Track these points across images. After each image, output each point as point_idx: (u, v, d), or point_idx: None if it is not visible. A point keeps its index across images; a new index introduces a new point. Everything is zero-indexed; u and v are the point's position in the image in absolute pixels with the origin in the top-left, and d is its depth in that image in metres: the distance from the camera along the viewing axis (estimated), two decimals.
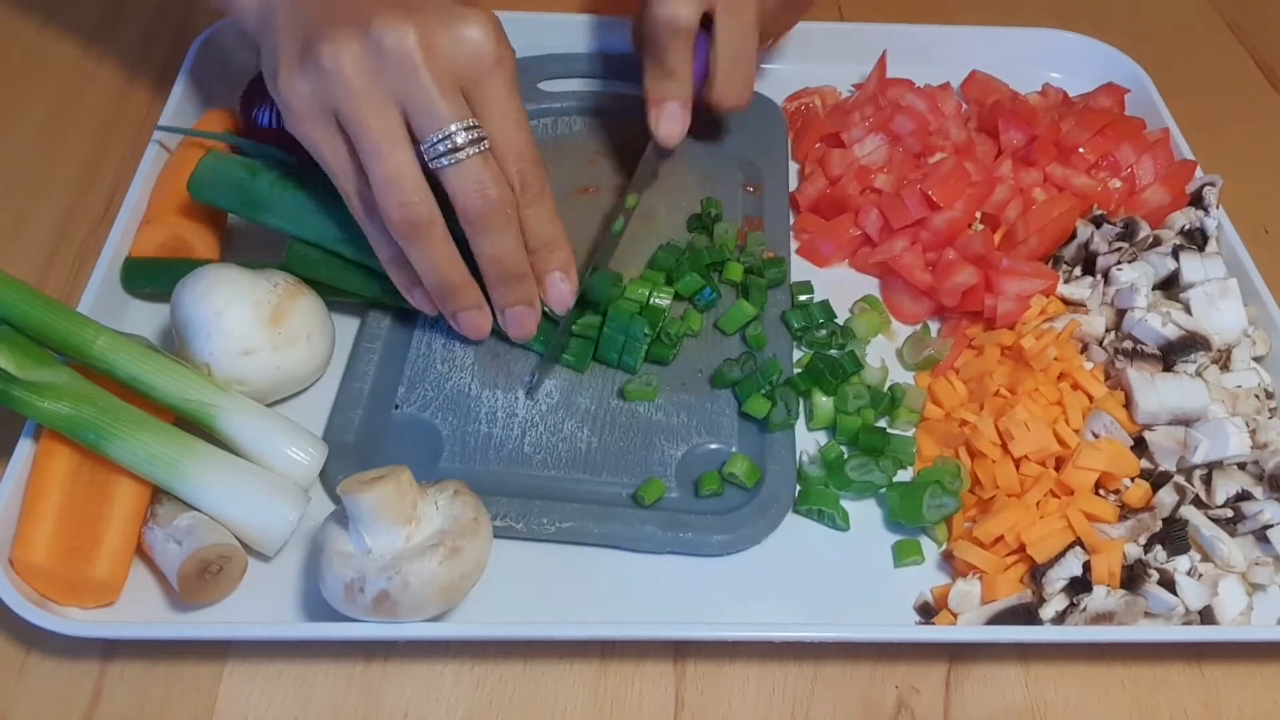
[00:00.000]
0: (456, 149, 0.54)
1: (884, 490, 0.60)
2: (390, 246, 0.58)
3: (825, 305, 0.67)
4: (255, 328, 0.58)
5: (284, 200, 0.63)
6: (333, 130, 0.55)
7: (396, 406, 0.62)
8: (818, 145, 0.77)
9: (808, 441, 0.63)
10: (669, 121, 0.69)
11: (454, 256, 0.58)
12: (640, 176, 0.71)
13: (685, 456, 0.61)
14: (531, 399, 0.62)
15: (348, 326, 0.66)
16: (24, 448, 0.55)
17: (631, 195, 0.71)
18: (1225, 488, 0.59)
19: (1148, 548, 0.57)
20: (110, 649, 0.54)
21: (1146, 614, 0.56)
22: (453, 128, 0.54)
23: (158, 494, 0.55)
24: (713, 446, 0.61)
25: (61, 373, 0.55)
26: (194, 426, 0.56)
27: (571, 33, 0.84)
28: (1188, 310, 0.66)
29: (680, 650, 0.55)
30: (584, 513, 0.57)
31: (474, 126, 0.54)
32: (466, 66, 0.54)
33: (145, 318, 0.66)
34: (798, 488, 0.60)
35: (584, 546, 0.57)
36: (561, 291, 0.62)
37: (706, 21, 0.68)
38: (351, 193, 0.57)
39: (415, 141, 0.55)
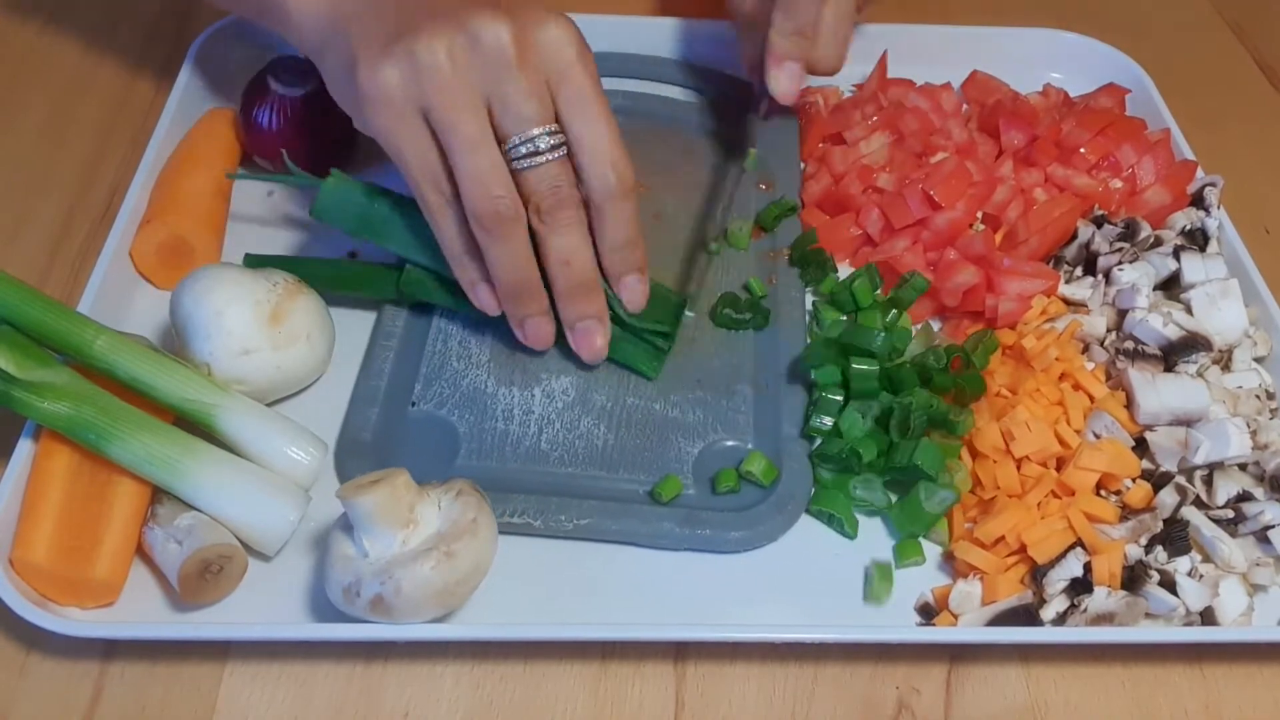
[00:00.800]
0: (537, 153, 0.55)
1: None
2: (462, 240, 0.58)
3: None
4: (255, 327, 0.58)
5: (400, 225, 0.62)
6: (417, 122, 0.55)
7: (413, 404, 0.62)
8: (821, 145, 0.77)
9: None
10: (789, 79, 0.69)
11: (531, 259, 0.58)
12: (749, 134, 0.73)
13: (702, 454, 0.61)
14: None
15: (359, 324, 0.66)
16: (24, 448, 0.55)
17: (751, 151, 0.73)
18: (1226, 488, 0.59)
19: (1149, 548, 0.57)
20: (110, 649, 0.54)
21: (1147, 615, 0.56)
22: (536, 131, 0.55)
23: (158, 494, 0.55)
24: (729, 444, 0.61)
25: (62, 373, 0.55)
26: (194, 426, 0.56)
27: (611, 33, 0.84)
28: (1189, 311, 0.66)
29: (681, 651, 0.55)
30: (601, 510, 0.57)
31: (556, 132, 0.56)
32: (554, 64, 0.55)
33: (145, 317, 0.66)
34: (813, 488, 0.60)
35: (584, 545, 0.57)
36: (636, 295, 0.62)
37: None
38: (427, 186, 0.57)
39: (499, 140, 0.56)
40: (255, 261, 0.65)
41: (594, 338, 0.61)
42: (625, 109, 0.78)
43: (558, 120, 0.56)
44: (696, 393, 0.63)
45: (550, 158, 0.55)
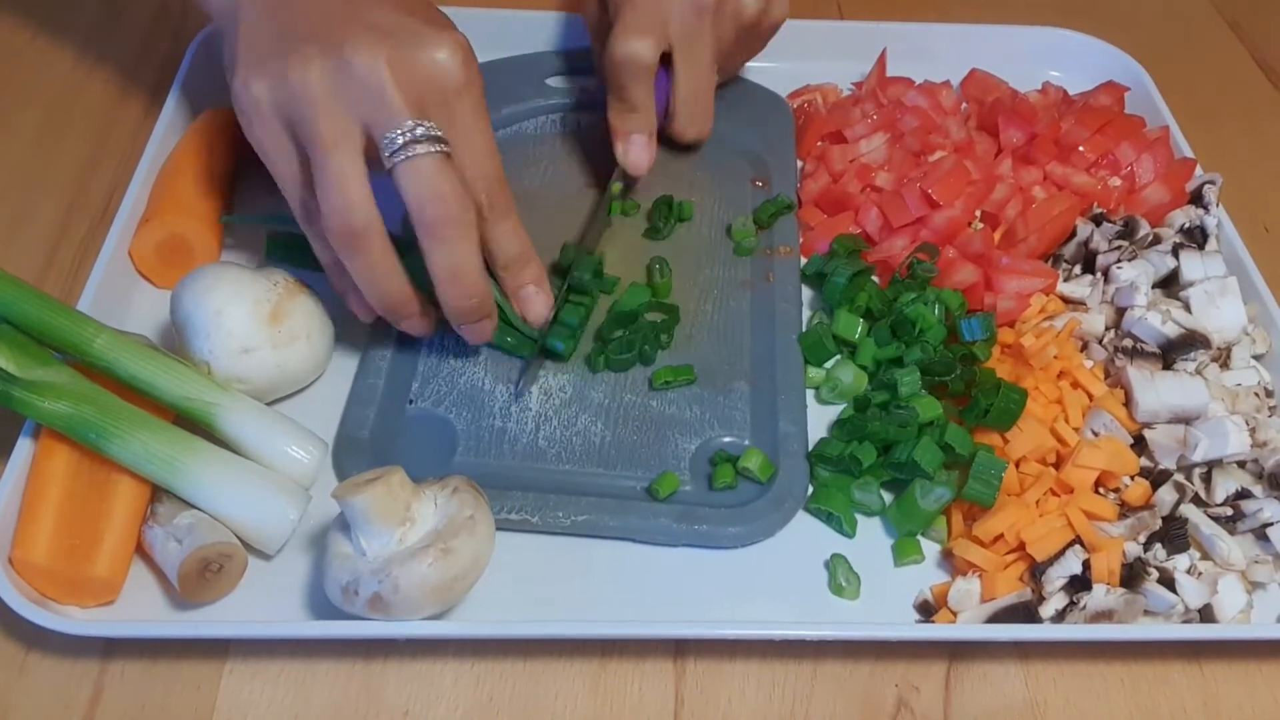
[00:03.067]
0: (415, 141, 0.53)
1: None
2: (329, 251, 0.57)
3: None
4: (255, 326, 0.58)
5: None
6: (283, 136, 0.55)
7: (411, 402, 0.62)
8: (820, 143, 0.77)
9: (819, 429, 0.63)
10: (636, 152, 0.71)
11: (393, 268, 0.56)
12: (606, 198, 0.72)
13: (699, 450, 0.61)
14: (519, 402, 0.62)
15: (359, 324, 0.65)
16: (24, 446, 0.55)
17: (615, 184, 0.72)
18: (1225, 486, 0.59)
19: (1147, 546, 0.57)
20: (110, 648, 0.54)
21: (1146, 612, 0.56)
22: (409, 123, 0.53)
23: (158, 492, 0.55)
24: (726, 440, 0.61)
25: (61, 372, 0.55)
26: (194, 425, 0.56)
27: (580, 29, 0.84)
28: (1187, 308, 0.66)
29: (680, 648, 0.55)
30: (599, 506, 0.57)
31: (435, 129, 0.54)
32: (434, 88, 0.55)
33: (145, 316, 0.66)
34: (810, 486, 0.60)
35: (584, 542, 0.57)
36: (537, 306, 0.62)
37: (665, 59, 0.70)
38: (296, 201, 0.57)
39: (370, 159, 0.54)
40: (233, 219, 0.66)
41: (484, 332, 0.61)
42: (590, 105, 0.79)
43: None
44: (693, 389, 0.63)
45: (429, 150, 0.53)
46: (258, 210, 0.72)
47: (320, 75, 0.53)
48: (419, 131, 0.53)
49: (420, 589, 0.49)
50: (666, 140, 0.74)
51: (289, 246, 0.62)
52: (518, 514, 0.57)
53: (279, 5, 0.57)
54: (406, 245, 0.57)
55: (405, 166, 0.53)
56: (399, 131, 0.53)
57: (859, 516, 0.60)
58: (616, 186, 0.72)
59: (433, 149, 0.53)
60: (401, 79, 0.53)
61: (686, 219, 0.73)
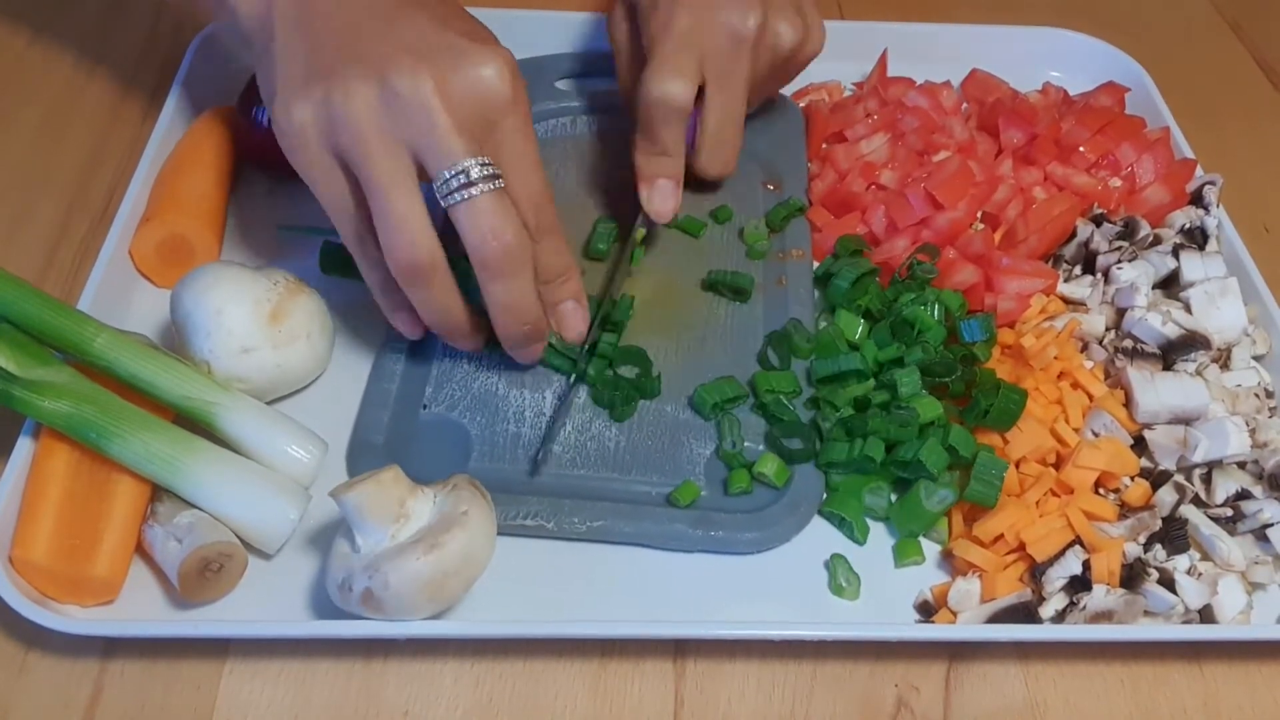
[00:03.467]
0: (470, 184, 0.52)
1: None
2: (381, 273, 0.57)
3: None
4: (255, 326, 0.58)
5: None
6: (333, 164, 0.54)
7: (425, 406, 0.62)
8: (824, 145, 0.77)
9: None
10: (662, 199, 0.68)
11: (455, 300, 0.57)
12: (630, 246, 0.69)
13: (714, 455, 0.61)
14: (537, 474, 0.59)
15: (359, 323, 0.66)
16: (24, 446, 0.55)
17: (640, 230, 0.69)
18: (1225, 486, 0.59)
19: (1147, 546, 0.57)
20: (110, 647, 0.54)
21: (1146, 613, 0.56)
22: (467, 163, 0.52)
23: (158, 492, 0.55)
24: (744, 444, 0.61)
25: (62, 371, 0.55)
26: (194, 425, 0.56)
27: (590, 31, 0.84)
28: (1188, 309, 0.66)
29: (680, 648, 0.55)
30: (614, 511, 0.57)
31: (489, 164, 0.53)
32: (482, 109, 0.53)
33: (145, 316, 0.66)
34: (824, 493, 0.60)
35: (585, 544, 0.57)
36: (574, 322, 0.62)
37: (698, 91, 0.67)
38: (348, 229, 0.56)
39: (425, 185, 0.54)
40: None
41: (535, 355, 0.62)
42: (602, 107, 0.79)
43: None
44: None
45: (485, 189, 0.52)
46: (258, 209, 0.72)
47: (365, 104, 0.52)
48: (474, 172, 0.52)
49: (410, 584, 0.49)
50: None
51: (345, 259, 0.61)
52: (533, 519, 0.57)
53: (307, 18, 0.56)
54: (455, 256, 0.56)
55: (463, 208, 0.53)
56: (454, 172, 0.52)
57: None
58: (640, 233, 0.69)
59: (488, 187, 0.53)
60: (450, 104, 0.52)
61: (724, 221, 0.72)
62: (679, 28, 0.65)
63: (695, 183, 0.74)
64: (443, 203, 0.53)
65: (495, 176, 0.53)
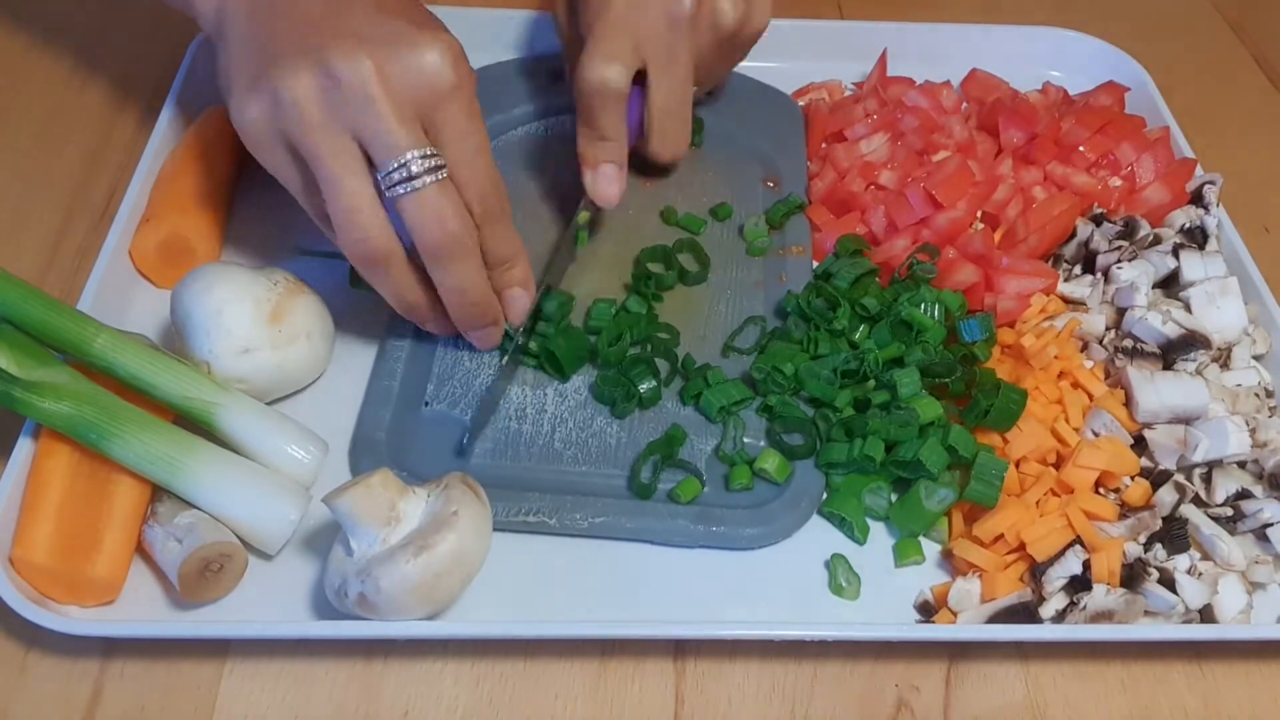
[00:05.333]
0: (412, 178, 0.53)
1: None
2: None
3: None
4: (255, 326, 0.58)
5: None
6: (288, 157, 0.55)
7: (426, 403, 0.62)
8: (824, 145, 0.77)
9: None
10: (605, 184, 0.67)
11: (412, 282, 0.58)
12: (573, 230, 0.69)
13: (715, 451, 0.61)
14: (464, 459, 0.60)
15: (359, 323, 0.66)
16: (24, 446, 0.55)
17: (583, 213, 0.69)
18: (1225, 486, 0.59)
19: (1148, 546, 0.57)
20: (110, 647, 0.54)
21: (1146, 612, 0.56)
22: (408, 156, 0.53)
23: (158, 492, 0.55)
24: (744, 441, 0.61)
25: (62, 372, 0.55)
26: (194, 425, 0.56)
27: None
28: (1188, 309, 0.66)
29: (680, 648, 0.55)
30: (616, 508, 0.57)
31: (431, 155, 0.54)
32: (423, 93, 0.54)
33: (145, 316, 0.66)
34: (824, 490, 0.60)
35: (585, 543, 0.57)
36: (520, 306, 0.62)
37: (639, 77, 0.67)
38: (314, 215, 0.57)
39: (374, 171, 0.54)
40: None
41: (490, 338, 0.62)
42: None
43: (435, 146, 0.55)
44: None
45: (427, 181, 0.53)
46: (258, 209, 0.72)
47: (308, 93, 0.53)
48: (414, 166, 0.53)
49: (401, 587, 0.49)
50: (639, 162, 0.72)
51: None
52: (535, 516, 0.57)
53: (261, 13, 0.56)
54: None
55: (405, 200, 0.54)
56: (396, 165, 0.53)
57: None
58: (584, 216, 0.69)
59: (430, 179, 0.54)
60: (390, 90, 0.53)
61: (724, 218, 0.73)
62: (614, 12, 0.65)
63: (696, 182, 0.74)
64: (386, 194, 0.54)
65: (438, 168, 0.54)
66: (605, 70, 0.64)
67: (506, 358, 0.63)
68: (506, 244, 0.60)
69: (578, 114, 0.67)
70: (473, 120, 0.56)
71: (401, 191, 0.54)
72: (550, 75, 0.81)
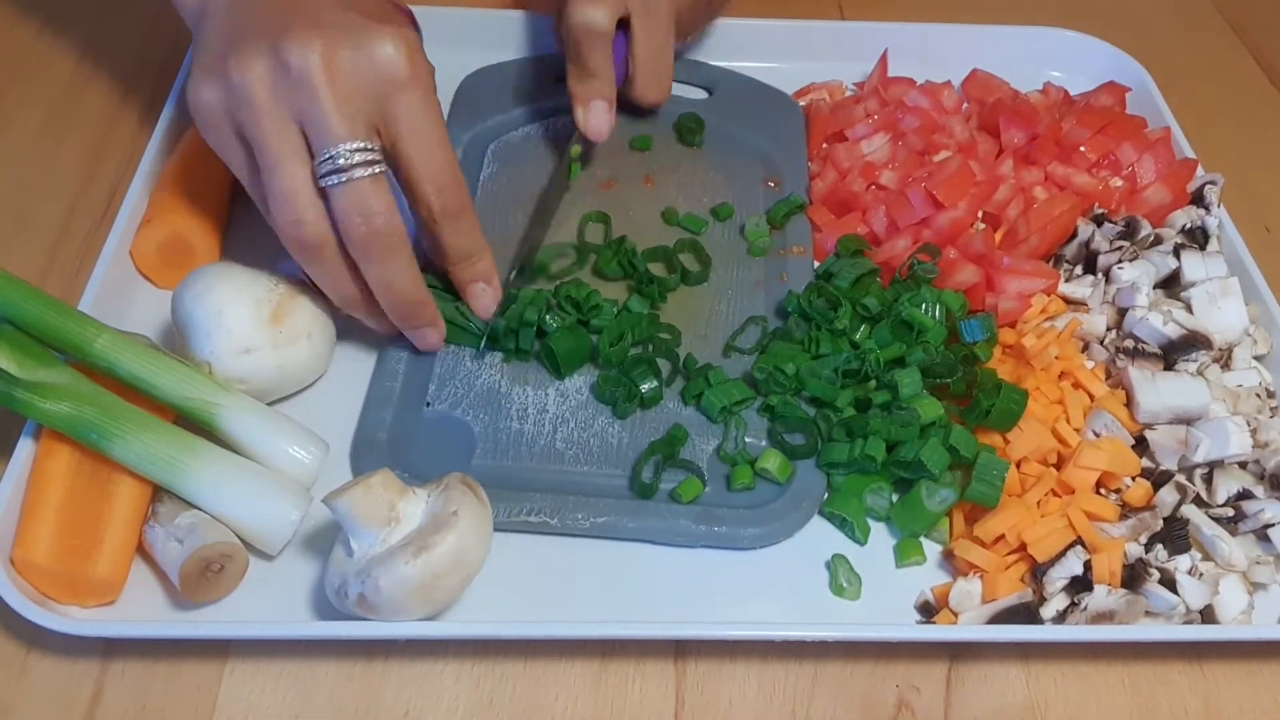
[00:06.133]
0: (340, 170, 0.53)
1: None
2: None
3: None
4: (256, 326, 0.58)
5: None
6: (235, 140, 0.56)
7: (428, 404, 0.62)
8: (824, 145, 0.77)
9: None
10: (595, 118, 0.71)
11: (345, 274, 0.58)
12: (565, 161, 0.74)
13: (717, 451, 0.61)
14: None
15: (359, 324, 0.65)
16: (24, 446, 0.55)
17: (575, 146, 0.73)
18: (1226, 487, 0.59)
19: (1149, 547, 0.57)
20: (111, 647, 0.54)
21: (1147, 613, 0.56)
22: (341, 148, 0.53)
23: (159, 492, 0.55)
24: (745, 440, 0.61)
25: (63, 373, 0.55)
26: (195, 426, 0.56)
27: None
28: (1189, 309, 0.66)
29: (681, 649, 0.55)
30: (618, 508, 0.57)
31: (368, 149, 0.54)
32: (376, 85, 0.54)
33: (146, 317, 0.66)
34: (826, 490, 0.60)
35: (585, 543, 0.57)
36: (485, 301, 0.63)
37: (624, 23, 0.71)
38: (256, 199, 0.57)
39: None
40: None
41: (429, 338, 0.62)
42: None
43: (385, 141, 0.55)
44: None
45: (358, 175, 0.53)
46: (258, 210, 0.72)
47: (258, 77, 0.53)
48: (344, 159, 0.53)
49: (400, 588, 0.49)
50: (626, 105, 0.75)
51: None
52: (537, 516, 0.57)
53: (239, 7, 0.57)
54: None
55: (334, 192, 0.54)
56: (327, 155, 0.53)
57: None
58: (576, 149, 0.73)
59: (363, 171, 0.54)
60: (335, 79, 0.53)
61: (725, 218, 0.73)
62: None
63: (697, 182, 0.74)
64: (319, 183, 0.54)
65: (372, 162, 0.54)
66: (591, 11, 0.69)
67: (484, 342, 0.64)
68: (467, 239, 0.60)
69: (566, 55, 0.71)
70: (428, 113, 0.56)
71: (332, 182, 0.54)
72: (550, 75, 0.81)
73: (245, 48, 0.54)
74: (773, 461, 0.59)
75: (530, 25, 0.85)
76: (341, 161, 0.53)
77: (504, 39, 0.84)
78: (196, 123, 0.57)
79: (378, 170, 0.54)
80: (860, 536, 0.59)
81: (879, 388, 0.62)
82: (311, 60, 0.53)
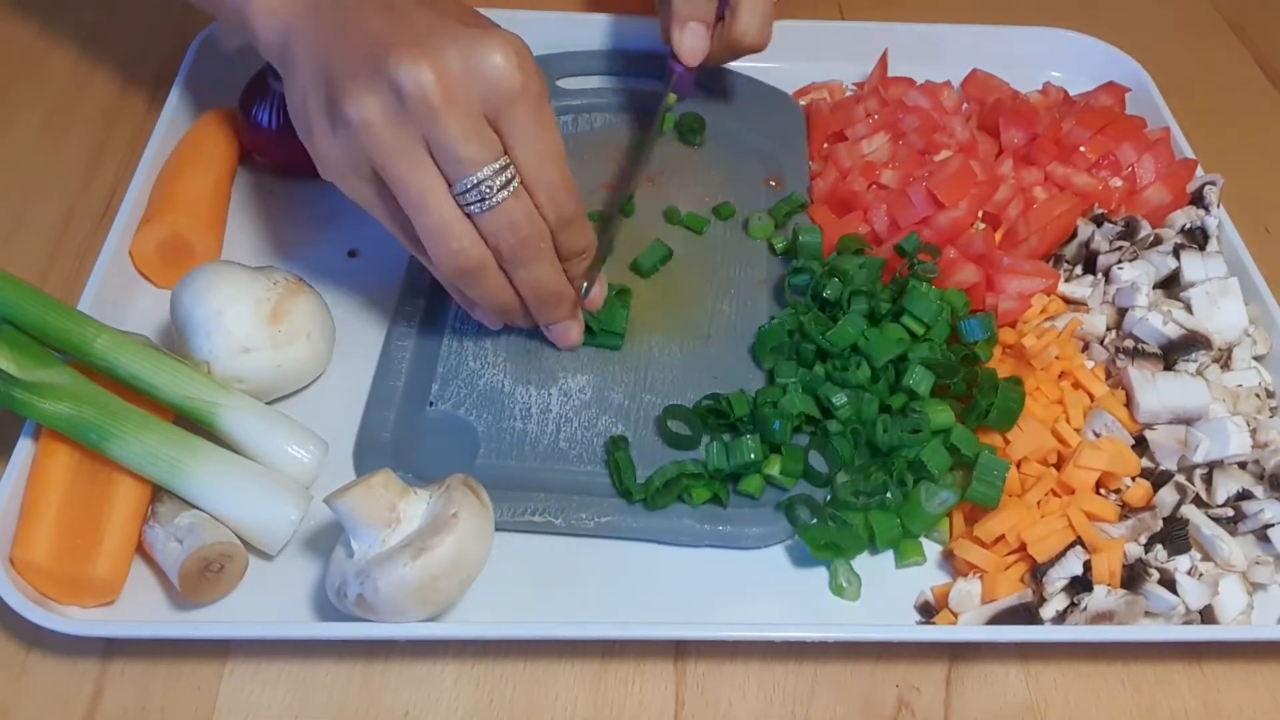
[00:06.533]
0: (484, 197, 0.53)
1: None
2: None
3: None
4: (255, 326, 0.58)
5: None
6: (370, 182, 0.55)
7: (431, 404, 0.62)
8: (825, 145, 0.77)
9: None
10: (693, 38, 0.71)
11: (505, 284, 0.58)
12: (661, 110, 0.74)
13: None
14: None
15: (359, 323, 0.66)
16: (24, 446, 0.55)
17: (671, 95, 0.73)
18: (1226, 487, 0.59)
19: (1148, 547, 0.57)
20: (111, 648, 0.54)
21: (1147, 613, 0.56)
22: (481, 174, 0.52)
23: (158, 492, 0.55)
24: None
25: (62, 373, 0.55)
26: (194, 425, 0.56)
27: (590, 30, 0.84)
28: (1189, 309, 0.66)
29: (681, 649, 0.55)
30: (622, 507, 0.57)
31: (503, 168, 0.53)
32: (489, 99, 0.53)
33: (146, 316, 0.66)
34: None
35: (585, 542, 0.57)
36: (593, 297, 0.63)
37: None
38: (402, 237, 0.57)
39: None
40: None
41: (570, 333, 0.63)
42: (603, 106, 0.80)
43: (505, 149, 0.54)
44: (712, 389, 0.63)
45: (500, 198, 0.53)
46: (258, 209, 0.72)
47: (374, 110, 0.52)
48: (486, 186, 0.53)
49: (398, 589, 0.49)
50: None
51: None
52: (540, 516, 0.57)
53: (328, 33, 0.55)
54: None
55: (482, 216, 0.54)
56: (469, 186, 0.53)
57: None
58: (672, 98, 0.73)
59: (503, 194, 0.53)
60: (455, 101, 0.51)
61: (726, 217, 0.73)
62: None
63: (699, 181, 0.74)
64: (463, 210, 0.54)
65: (509, 180, 0.53)
66: None
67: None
68: (580, 239, 0.59)
69: None
70: (541, 121, 0.54)
71: (477, 210, 0.54)
72: (551, 75, 0.81)
73: (353, 85, 0.52)
74: (779, 466, 0.59)
75: (530, 24, 0.84)
76: (483, 189, 0.53)
77: None
78: (324, 171, 0.56)
79: (516, 185, 0.54)
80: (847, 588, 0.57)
81: (893, 392, 0.61)
82: (426, 82, 0.51)
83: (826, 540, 0.56)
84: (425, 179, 0.53)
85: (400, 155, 0.52)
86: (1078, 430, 0.61)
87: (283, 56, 0.57)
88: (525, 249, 0.56)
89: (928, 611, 0.56)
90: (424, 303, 0.66)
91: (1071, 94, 0.83)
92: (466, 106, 0.52)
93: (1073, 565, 0.56)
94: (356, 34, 0.54)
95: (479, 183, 0.53)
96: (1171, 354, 0.64)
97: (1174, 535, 0.57)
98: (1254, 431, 0.61)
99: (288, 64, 0.57)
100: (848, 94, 0.83)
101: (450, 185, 0.53)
